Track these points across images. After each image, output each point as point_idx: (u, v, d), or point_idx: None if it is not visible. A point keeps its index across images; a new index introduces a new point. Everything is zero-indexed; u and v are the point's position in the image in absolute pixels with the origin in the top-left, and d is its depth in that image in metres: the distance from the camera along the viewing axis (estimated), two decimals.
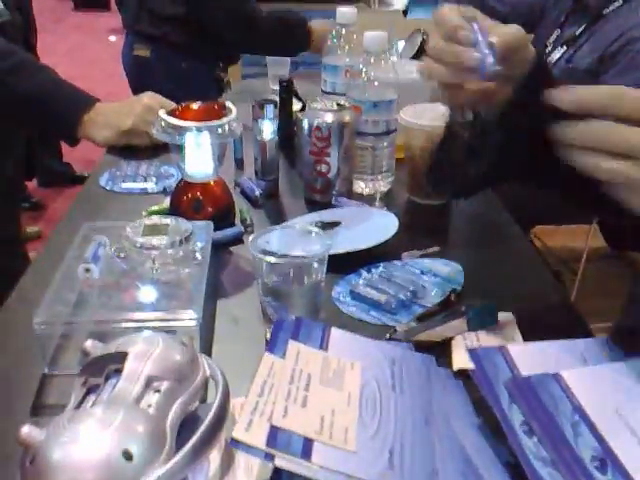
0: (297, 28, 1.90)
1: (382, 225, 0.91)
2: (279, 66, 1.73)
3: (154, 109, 1.10)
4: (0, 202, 1.33)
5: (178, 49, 1.94)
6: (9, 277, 0.85)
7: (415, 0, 2.57)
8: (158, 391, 0.55)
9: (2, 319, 0.77)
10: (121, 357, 0.56)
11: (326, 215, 0.96)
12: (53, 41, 5.66)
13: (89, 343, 0.59)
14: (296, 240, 0.77)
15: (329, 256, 0.76)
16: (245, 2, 1.82)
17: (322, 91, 1.25)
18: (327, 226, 0.91)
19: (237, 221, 0.97)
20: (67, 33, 6.71)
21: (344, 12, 1.20)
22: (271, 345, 0.59)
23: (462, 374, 0.63)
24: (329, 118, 0.98)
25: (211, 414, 0.54)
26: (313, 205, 1.03)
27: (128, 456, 0.48)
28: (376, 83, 1.02)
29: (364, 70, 1.02)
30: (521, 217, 1.04)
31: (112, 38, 5.80)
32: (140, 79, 1.98)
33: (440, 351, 0.69)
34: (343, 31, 1.21)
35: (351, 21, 1.20)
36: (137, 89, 1.99)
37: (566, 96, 0.52)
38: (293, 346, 0.60)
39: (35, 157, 3.12)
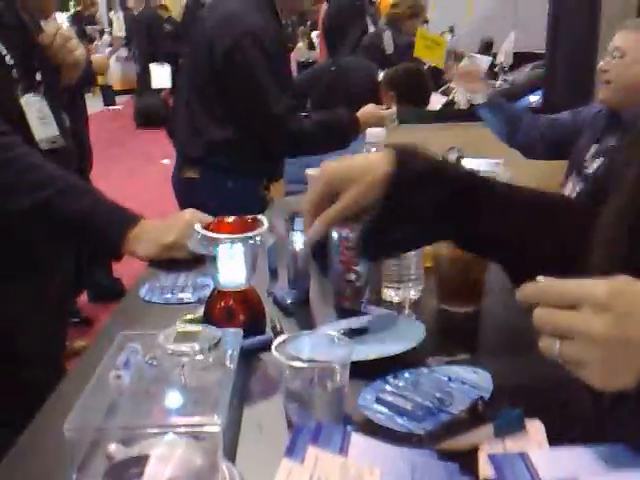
0: (343, 125, 2.02)
1: (409, 332, 0.92)
2: None
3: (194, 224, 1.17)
4: (48, 317, 1.39)
5: (225, 170, 2.05)
6: (45, 391, 0.88)
7: None
8: None
9: (36, 426, 0.79)
10: (143, 460, 0.57)
11: (354, 322, 0.98)
12: (110, 165, 6.03)
13: (113, 447, 0.60)
14: (322, 346, 0.78)
15: (356, 363, 0.77)
16: (290, 121, 1.94)
17: None
18: (354, 333, 0.92)
19: (268, 328, 1.00)
20: (124, 157, 7.14)
21: (374, 132, 1.27)
22: (290, 450, 0.60)
23: None
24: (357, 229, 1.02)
25: None
26: (343, 313, 1.05)
27: None
28: None
29: None
30: None
31: (165, 161, 6.15)
32: (188, 199, 2.08)
33: (466, 460, 0.67)
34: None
35: (379, 139, 1.27)
36: (185, 207, 2.09)
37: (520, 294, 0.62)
38: (312, 451, 0.60)
39: (85, 272, 3.25)
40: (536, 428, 0.71)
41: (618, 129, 1.93)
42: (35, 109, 1.28)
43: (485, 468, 0.64)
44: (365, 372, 0.84)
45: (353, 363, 0.75)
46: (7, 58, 1.25)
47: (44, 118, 1.29)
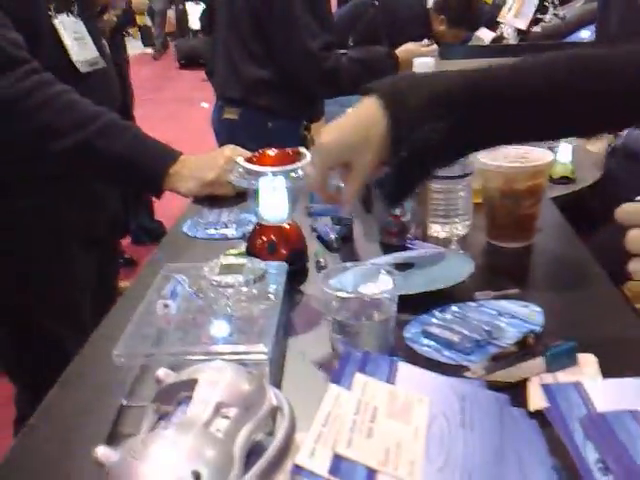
0: (381, 63, 1.97)
1: (457, 267, 0.90)
2: None
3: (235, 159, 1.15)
4: (98, 257, 1.40)
5: (265, 110, 2.02)
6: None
7: None
8: (227, 417, 0.56)
9: (86, 353, 0.81)
10: (191, 384, 0.58)
11: (400, 257, 0.96)
12: (151, 108, 6.03)
13: (162, 372, 0.61)
14: (367, 279, 0.77)
15: (403, 297, 0.76)
16: (326, 58, 1.89)
17: None
18: (400, 267, 0.91)
19: (312, 263, 0.99)
20: (165, 100, 7.14)
21: (422, 62, 1.23)
22: (337, 377, 0.59)
23: (538, 415, 0.61)
24: None
25: (277, 440, 0.55)
26: (388, 248, 1.03)
27: (197, 477, 0.49)
28: None
29: None
30: (612, 271, 1.00)
31: (204, 104, 6.12)
32: (229, 141, 2.06)
33: (516, 392, 0.66)
34: None
35: (429, 69, 1.23)
36: None
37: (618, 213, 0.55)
38: (359, 378, 0.59)
39: (128, 215, 3.30)
40: (589, 361, 0.69)
41: None
42: (71, 30, 1.24)
43: (536, 399, 0.63)
44: (411, 306, 0.83)
45: (399, 297, 0.74)
46: None
47: (82, 39, 1.25)
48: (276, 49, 1.94)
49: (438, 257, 0.96)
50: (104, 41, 1.39)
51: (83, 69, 1.23)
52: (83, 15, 1.28)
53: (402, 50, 2.03)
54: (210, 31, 2.27)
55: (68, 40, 1.22)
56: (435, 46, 2.13)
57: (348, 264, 0.78)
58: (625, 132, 2.14)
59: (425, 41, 2.09)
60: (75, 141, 1.13)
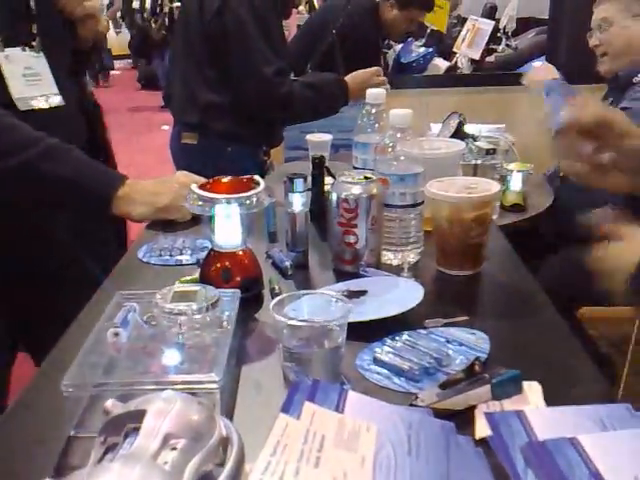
0: (332, 88, 2.00)
1: (408, 294, 0.91)
2: (320, 149, 1.79)
3: (189, 185, 1.15)
4: None
5: (223, 135, 2.02)
6: None
7: None
8: (175, 449, 0.55)
9: (35, 382, 0.80)
10: (140, 415, 0.57)
11: (353, 284, 0.98)
12: (112, 132, 5.98)
13: (109, 403, 0.60)
14: (320, 307, 0.78)
15: (354, 324, 0.77)
16: (278, 84, 1.91)
17: (354, 167, 1.29)
18: (353, 294, 0.92)
19: (266, 290, 0.99)
20: (124, 124, 7.09)
21: (373, 93, 1.25)
22: (286, 406, 0.60)
23: (483, 443, 0.62)
24: (356, 190, 1.01)
25: (225, 473, 0.55)
26: (342, 276, 1.04)
27: None
28: (402, 157, 1.05)
29: (391, 145, 1.06)
30: (566, 295, 1.03)
31: (165, 127, 6.11)
32: (187, 165, 2.05)
33: (462, 419, 0.68)
34: (373, 110, 1.26)
35: (380, 101, 1.25)
36: None
37: None
38: (309, 407, 0.60)
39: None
40: (534, 389, 0.71)
41: (617, 90, 2.03)
42: (21, 65, 1.20)
43: (482, 427, 0.64)
44: (363, 334, 0.84)
45: (351, 325, 0.75)
46: None
47: (36, 75, 1.22)
48: (230, 74, 1.95)
49: (390, 284, 0.97)
50: (74, 79, 1.36)
51: (23, 106, 1.19)
52: (48, 50, 1.24)
53: (351, 77, 2.06)
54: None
55: (13, 75, 1.18)
56: (384, 78, 2.15)
57: (300, 292, 0.79)
58: None
59: (375, 68, 2.12)
60: (18, 162, 1.11)
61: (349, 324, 0.75)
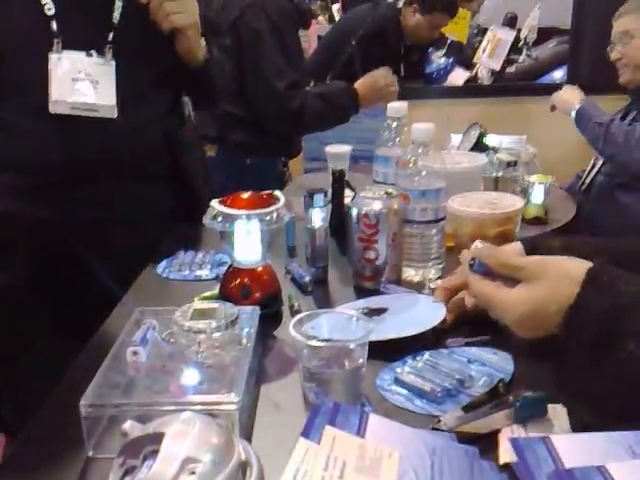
0: (343, 99, 2.00)
1: (429, 312, 0.90)
2: (339, 160, 1.79)
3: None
4: None
5: (241, 147, 2.03)
6: None
7: None
8: (193, 473, 0.55)
9: (53, 402, 0.79)
10: (158, 438, 0.57)
11: (374, 301, 0.97)
12: None
13: (127, 424, 0.60)
14: (339, 325, 0.77)
15: (376, 343, 0.76)
16: (290, 98, 1.91)
17: (374, 181, 1.28)
18: (373, 312, 0.91)
19: (285, 307, 0.99)
20: None
21: (394, 106, 1.25)
22: (307, 430, 0.59)
23: (508, 468, 0.61)
24: (377, 206, 1.00)
25: None
26: (362, 292, 1.03)
27: None
28: (424, 172, 1.04)
29: (412, 160, 1.05)
30: None
31: None
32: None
33: (486, 443, 0.66)
34: (394, 124, 1.25)
35: (401, 114, 1.25)
36: None
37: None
38: (329, 432, 0.59)
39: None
40: (559, 413, 0.69)
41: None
42: (75, 69, 1.16)
43: (506, 453, 0.63)
44: (384, 353, 0.83)
45: (371, 343, 0.74)
46: (46, 7, 1.15)
47: (86, 80, 1.16)
48: (244, 87, 1.96)
49: (411, 301, 0.96)
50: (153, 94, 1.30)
51: (53, 109, 1.17)
52: (127, 61, 1.21)
53: (360, 83, 2.06)
54: None
55: (58, 78, 1.16)
56: (386, 68, 2.13)
57: (320, 311, 0.78)
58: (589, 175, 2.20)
59: (384, 68, 2.11)
60: None
61: (369, 342, 0.74)
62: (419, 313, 0.92)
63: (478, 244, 0.79)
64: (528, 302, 0.69)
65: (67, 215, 1.22)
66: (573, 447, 0.56)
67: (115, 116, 1.19)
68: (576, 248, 0.78)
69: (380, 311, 0.93)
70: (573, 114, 2.15)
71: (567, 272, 0.67)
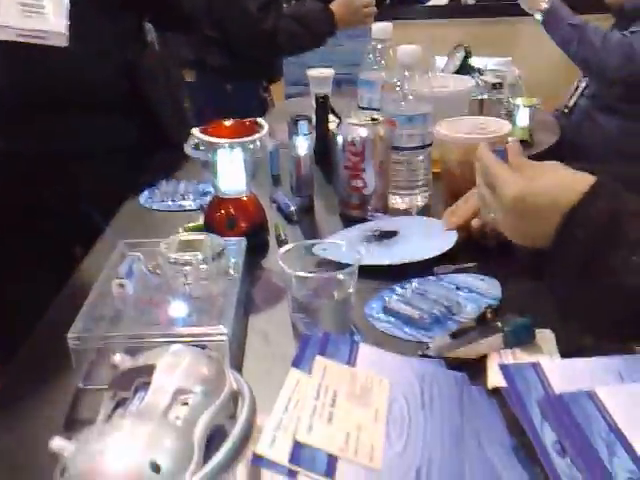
0: (318, 20, 1.93)
1: (440, 236, 0.90)
2: (321, 84, 1.74)
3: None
4: None
5: (221, 71, 1.97)
6: None
7: None
8: (185, 404, 0.55)
9: (39, 335, 0.79)
10: (149, 370, 0.56)
11: (385, 224, 0.97)
12: None
13: (117, 357, 0.59)
14: (328, 255, 0.76)
15: (364, 270, 0.75)
16: (261, 20, 1.84)
17: (359, 106, 1.25)
18: (385, 235, 0.92)
19: (272, 237, 0.98)
20: None
21: (379, 27, 1.20)
22: (297, 360, 0.59)
23: (496, 393, 0.62)
24: (363, 132, 0.98)
25: (237, 428, 0.54)
26: (348, 221, 1.02)
27: (156, 468, 0.48)
28: (410, 97, 1.02)
29: (398, 84, 1.02)
30: None
31: None
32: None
33: (474, 369, 0.67)
34: (379, 46, 1.21)
35: (386, 36, 1.20)
36: None
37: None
38: (320, 362, 0.59)
39: None
40: (547, 338, 0.70)
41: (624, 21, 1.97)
42: None
43: (495, 377, 0.63)
44: (372, 281, 0.83)
45: (360, 271, 0.74)
46: None
47: (34, 5, 1.07)
48: (214, 7, 1.88)
49: (422, 226, 0.96)
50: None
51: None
52: None
53: (336, 4, 1.98)
54: None
55: (1, 1, 1.06)
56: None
57: (305, 242, 0.77)
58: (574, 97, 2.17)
59: None
60: None
61: (360, 270, 0.73)
62: (430, 237, 0.92)
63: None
64: (525, 188, 0.67)
65: (25, 147, 1.19)
66: (563, 373, 0.56)
67: (66, 44, 1.11)
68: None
69: (391, 234, 0.94)
70: (538, 16, 2.06)
71: (573, 181, 0.65)
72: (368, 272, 0.80)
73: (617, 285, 0.59)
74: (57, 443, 0.50)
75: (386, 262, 0.85)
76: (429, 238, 0.92)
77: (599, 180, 0.64)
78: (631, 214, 0.61)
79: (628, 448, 0.48)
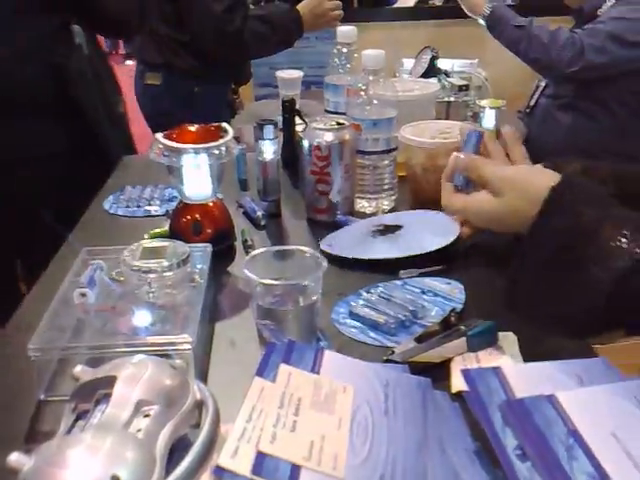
0: (285, 21, 1.92)
1: (443, 230, 0.90)
2: (290, 86, 1.74)
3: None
4: None
5: (188, 74, 1.95)
6: None
7: None
8: (147, 415, 0.54)
9: (0, 345, 0.77)
10: (110, 381, 0.56)
11: (388, 219, 0.98)
12: None
13: (78, 369, 0.58)
14: (293, 262, 0.76)
15: (331, 275, 0.76)
16: (228, 22, 1.82)
17: (325, 110, 1.25)
18: (389, 229, 0.94)
19: (238, 242, 0.97)
20: None
21: (344, 31, 1.20)
22: (261, 369, 0.58)
23: (460, 397, 0.62)
24: (329, 137, 0.98)
25: (200, 439, 0.54)
26: (316, 226, 1.02)
27: None
28: (375, 101, 1.02)
29: (363, 88, 1.02)
30: None
31: (129, 62, 5.90)
32: (153, 106, 1.99)
33: (439, 373, 0.67)
34: (344, 50, 1.21)
35: (351, 40, 1.21)
36: (150, 116, 2.01)
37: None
38: (284, 370, 0.59)
39: None
40: (509, 341, 0.71)
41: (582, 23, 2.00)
42: None
43: (458, 382, 0.64)
44: (339, 286, 0.83)
45: (325, 277, 0.73)
46: None
47: None
48: (182, 11, 1.86)
49: (426, 219, 0.97)
50: None
51: None
52: None
53: (302, 5, 1.97)
54: None
55: None
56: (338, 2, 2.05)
57: (274, 248, 0.77)
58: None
59: None
60: None
61: (325, 275, 0.73)
62: (433, 231, 0.92)
63: (457, 155, 0.75)
64: (491, 210, 0.70)
65: None
66: (524, 377, 0.57)
67: None
68: (596, 172, 0.75)
69: (395, 228, 0.95)
70: (481, 21, 2.06)
71: (529, 191, 0.66)
72: (334, 278, 0.80)
73: (585, 277, 0.59)
74: (15, 458, 0.49)
75: (394, 255, 0.89)
76: (432, 232, 0.93)
77: (558, 187, 0.64)
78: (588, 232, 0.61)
79: (587, 451, 0.48)
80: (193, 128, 0.92)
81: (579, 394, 0.54)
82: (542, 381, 0.56)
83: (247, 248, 0.95)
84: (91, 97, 1.36)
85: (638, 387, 0.55)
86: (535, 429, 0.50)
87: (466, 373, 0.57)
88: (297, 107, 1.27)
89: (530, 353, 0.69)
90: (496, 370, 0.57)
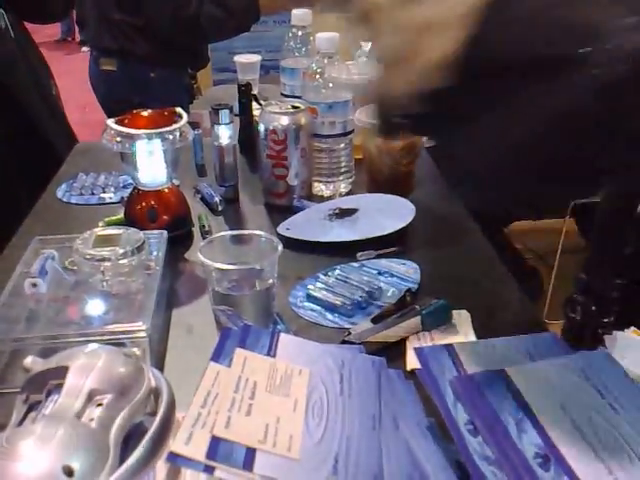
0: (241, 6, 1.89)
1: (399, 210, 0.92)
2: (249, 71, 1.72)
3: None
4: None
5: (144, 59, 1.92)
6: None
7: None
8: (100, 405, 0.54)
9: None
10: (62, 372, 0.55)
11: (345, 202, 0.99)
12: None
13: (29, 360, 0.57)
14: (249, 246, 0.76)
15: (289, 260, 0.76)
16: (183, 6, 1.80)
17: (282, 94, 1.24)
18: (345, 212, 0.94)
19: (195, 228, 0.96)
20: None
21: (298, 14, 1.20)
22: (217, 354, 0.58)
23: (414, 375, 0.63)
24: (284, 121, 0.98)
25: (154, 426, 0.54)
26: (273, 210, 1.02)
27: (69, 472, 0.48)
28: (331, 84, 1.02)
29: (318, 71, 1.02)
30: (495, 214, 1.04)
31: (85, 49, 5.78)
32: (109, 93, 1.95)
33: (395, 352, 0.68)
34: (299, 33, 1.21)
35: (306, 23, 1.20)
36: (106, 102, 1.97)
37: None
38: (240, 354, 0.59)
39: None
40: (463, 318, 0.72)
41: None
42: None
43: (413, 360, 0.65)
44: (296, 269, 0.83)
45: (284, 260, 0.73)
46: None
47: None
48: None
49: (382, 202, 0.97)
50: None
51: None
52: None
53: None
54: None
55: None
56: None
57: (229, 232, 0.76)
58: None
59: None
60: None
61: (281, 259, 0.73)
62: (389, 214, 0.93)
63: None
64: None
65: None
66: (475, 353, 0.58)
67: None
68: None
69: (351, 211, 0.95)
70: None
71: None
72: (292, 262, 0.80)
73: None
74: None
75: (351, 238, 0.89)
76: (388, 213, 0.94)
77: None
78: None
79: (536, 424, 0.49)
80: (146, 113, 0.91)
81: (528, 368, 0.55)
82: (493, 357, 0.57)
83: (205, 234, 0.94)
84: (22, 81, 1.32)
85: (585, 360, 0.56)
86: (485, 404, 0.51)
87: (419, 351, 0.58)
88: (255, 91, 1.26)
89: (483, 329, 0.70)
90: (448, 347, 0.58)
